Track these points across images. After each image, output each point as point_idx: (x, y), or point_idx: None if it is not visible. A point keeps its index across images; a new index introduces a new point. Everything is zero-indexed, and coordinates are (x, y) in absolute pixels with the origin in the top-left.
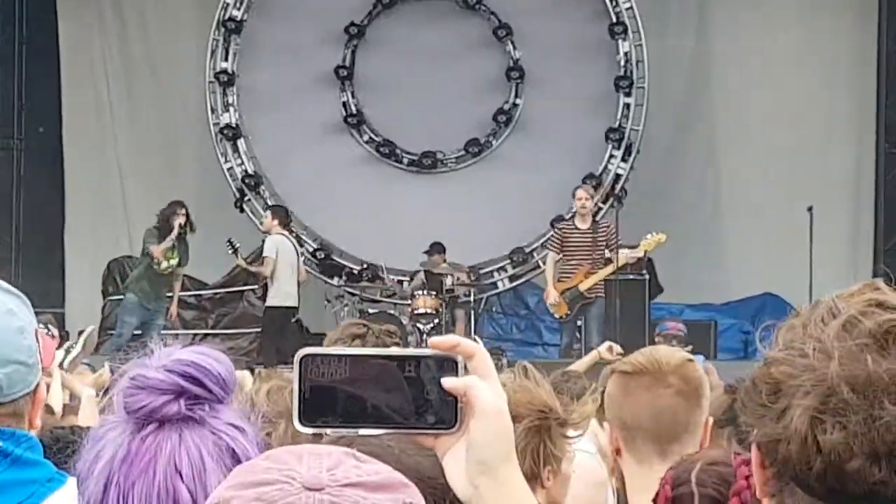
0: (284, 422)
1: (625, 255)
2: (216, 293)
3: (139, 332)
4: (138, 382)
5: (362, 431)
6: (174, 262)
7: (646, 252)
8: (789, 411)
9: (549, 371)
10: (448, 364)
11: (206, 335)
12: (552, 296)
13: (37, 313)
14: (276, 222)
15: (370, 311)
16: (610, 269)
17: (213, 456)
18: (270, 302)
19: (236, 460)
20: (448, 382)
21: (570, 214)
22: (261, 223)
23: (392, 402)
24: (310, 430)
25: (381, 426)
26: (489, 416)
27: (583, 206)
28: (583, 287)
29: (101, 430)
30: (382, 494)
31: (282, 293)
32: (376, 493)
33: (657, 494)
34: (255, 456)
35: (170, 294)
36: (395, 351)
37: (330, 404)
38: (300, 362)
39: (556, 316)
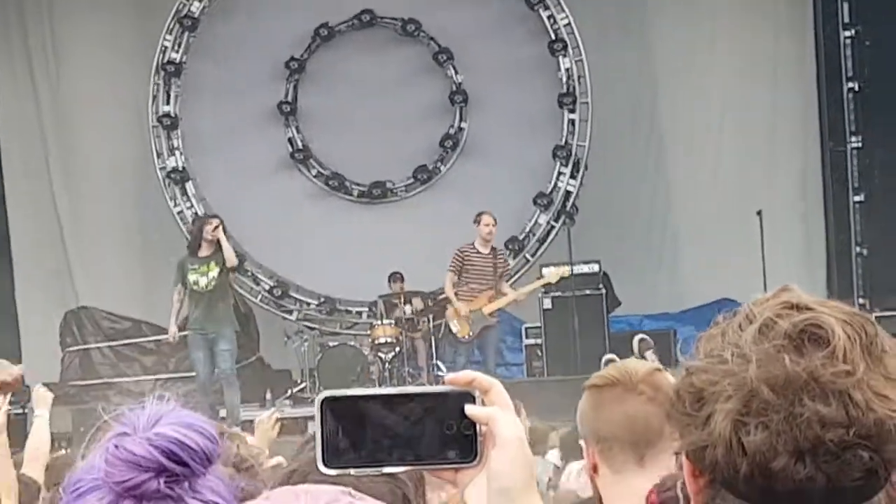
0: None
1: (529, 286)
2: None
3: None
4: (120, 454)
5: (385, 470)
6: (213, 272)
7: (548, 283)
8: (713, 417)
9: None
10: (466, 398)
11: (167, 380)
12: (463, 312)
13: None
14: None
15: (330, 344)
16: (512, 297)
17: None
18: None
19: None
20: (472, 410)
21: (521, 235)
22: None
23: (413, 439)
24: (333, 472)
25: (404, 464)
26: (510, 445)
27: (489, 231)
28: (486, 310)
29: (80, 486)
30: None
31: None
32: None
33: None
34: None
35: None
36: (413, 389)
37: (352, 445)
38: (321, 405)
39: (459, 336)
